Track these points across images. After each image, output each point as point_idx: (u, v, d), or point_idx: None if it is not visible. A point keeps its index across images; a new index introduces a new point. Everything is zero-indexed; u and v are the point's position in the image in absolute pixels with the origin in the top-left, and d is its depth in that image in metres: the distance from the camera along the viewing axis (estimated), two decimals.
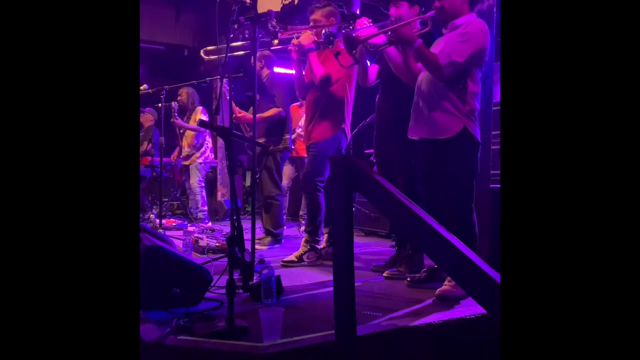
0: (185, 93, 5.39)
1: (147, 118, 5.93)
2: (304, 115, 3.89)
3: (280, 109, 3.91)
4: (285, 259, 3.15)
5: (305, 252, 3.17)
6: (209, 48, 3.56)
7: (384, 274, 2.77)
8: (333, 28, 2.71)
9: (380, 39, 2.52)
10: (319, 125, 3.23)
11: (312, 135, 3.28)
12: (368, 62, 2.92)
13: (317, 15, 3.16)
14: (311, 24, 3.18)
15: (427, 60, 2.30)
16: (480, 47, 2.29)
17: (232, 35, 2.92)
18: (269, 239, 3.86)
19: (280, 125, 3.95)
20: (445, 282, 2.31)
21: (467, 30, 2.30)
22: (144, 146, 5.58)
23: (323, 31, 2.69)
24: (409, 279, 2.57)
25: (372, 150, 5.10)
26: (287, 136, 3.95)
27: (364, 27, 2.52)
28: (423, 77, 2.45)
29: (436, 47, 2.42)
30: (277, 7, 4.86)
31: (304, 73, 3.33)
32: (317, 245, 3.24)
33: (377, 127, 3.04)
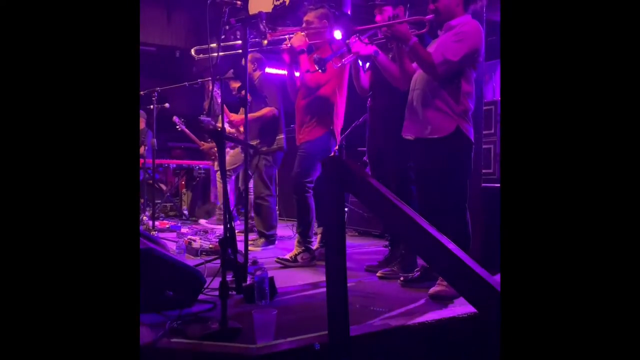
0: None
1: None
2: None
3: (272, 108, 3.90)
4: (280, 258, 3.16)
5: (299, 253, 3.17)
6: (199, 47, 3.55)
7: (378, 274, 2.77)
8: (325, 54, 2.68)
9: (371, 49, 2.55)
10: (308, 127, 3.25)
11: (301, 137, 3.30)
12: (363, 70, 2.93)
13: (310, 17, 3.18)
14: (304, 24, 3.18)
15: (422, 59, 2.31)
16: (474, 47, 2.30)
17: (223, 37, 2.92)
18: (262, 240, 3.86)
19: (273, 126, 3.93)
20: (438, 282, 2.31)
21: (461, 30, 2.32)
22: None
23: (314, 57, 2.71)
24: (402, 279, 2.57)
25: (365, 149, 5.13)
26: (281, 136, 3.93)
27: (354, 42, 2.53)
28: (417, 76, 2.47)
29: (431, 48, 2.43)
30: (268, 8, 4.87)
31: (297, 74, 3.33)
32: (310, 246, 3.24)
33: (369, 127, 3.05)
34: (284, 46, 3.11)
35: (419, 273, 2.55)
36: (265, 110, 3.91)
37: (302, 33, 3.09)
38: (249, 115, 3.95)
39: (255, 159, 3.88)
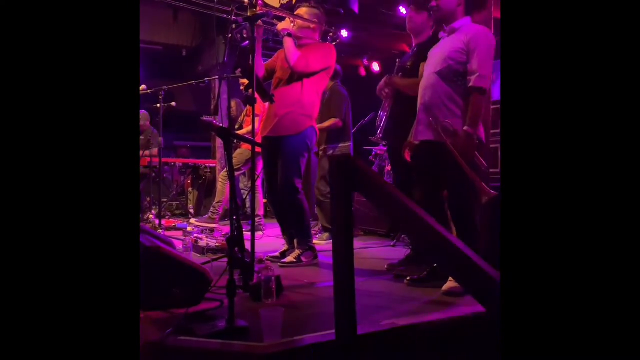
0: (234, 105, 5.36)
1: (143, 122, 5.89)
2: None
3: (337, 119, 4.26)
4: (284, 261, 3.13)
5: (302, 253, 3.15)
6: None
7: (390, 270, 2.78)
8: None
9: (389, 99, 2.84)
10: (289, 117, 3.04)
11: (278, 128, 3.07)
12: None
13: (301, 11, 3.14)
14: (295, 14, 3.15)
15: (479, 114, 2.34)
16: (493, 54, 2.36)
17: (230, 35, 2.92)
18: (326, 234, 4.21)
19: (337, 133, 4.32)
20: (451, 278, 2.31)
21: (478, 44, 2.33)
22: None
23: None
24: (408, 278, 2.57)
25: (370, 149, 5.13)
26: (348, 144, 4.37)
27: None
28: (425, 82, 2.47)
29: (436, 49, 2.49)
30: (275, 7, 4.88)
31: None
32: (312, 244, 3.21)
33: (392, 133, 3.02)
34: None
35: (425, 273, 2.54)
36: (330, 122, 4.26)
37: (289, 20, 3.05)
38: (319, 126, 4.18)
39: (322, 161, 4.41)
